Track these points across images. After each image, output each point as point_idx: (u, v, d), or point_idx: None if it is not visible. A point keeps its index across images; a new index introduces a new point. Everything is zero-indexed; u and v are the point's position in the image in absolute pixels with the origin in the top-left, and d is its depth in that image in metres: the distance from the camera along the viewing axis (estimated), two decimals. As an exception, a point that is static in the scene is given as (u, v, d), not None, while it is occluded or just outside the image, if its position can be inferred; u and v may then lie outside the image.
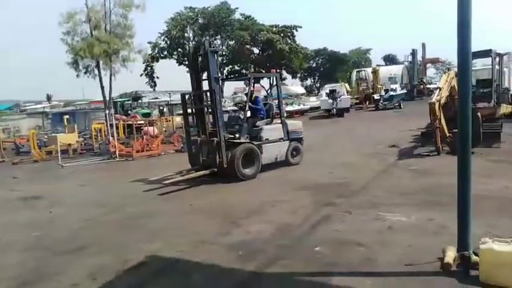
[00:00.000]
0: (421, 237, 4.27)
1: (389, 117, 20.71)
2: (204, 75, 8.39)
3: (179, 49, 40.35)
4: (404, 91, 31.22)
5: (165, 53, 41.56)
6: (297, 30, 44.17)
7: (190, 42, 38.77)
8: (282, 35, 42.70)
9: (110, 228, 5.56)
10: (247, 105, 8.71)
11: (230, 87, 43.60)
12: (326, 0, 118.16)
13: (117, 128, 16.37)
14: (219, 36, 42.98)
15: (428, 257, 3.64)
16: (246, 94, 9.30)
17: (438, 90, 9.59)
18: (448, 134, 9.11)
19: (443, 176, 6.95)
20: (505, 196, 5.65)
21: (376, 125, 18.13)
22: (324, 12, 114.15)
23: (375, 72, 32.29)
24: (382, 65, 48.33)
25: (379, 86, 30.37)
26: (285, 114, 10.42)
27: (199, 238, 4.80)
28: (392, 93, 27.80)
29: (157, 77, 43.04)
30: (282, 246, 4.39)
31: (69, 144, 15.10)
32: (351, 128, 17.77)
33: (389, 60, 61.74)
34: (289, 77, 48.49)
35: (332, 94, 24.67)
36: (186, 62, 37.25)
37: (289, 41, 43.43)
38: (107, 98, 23.18)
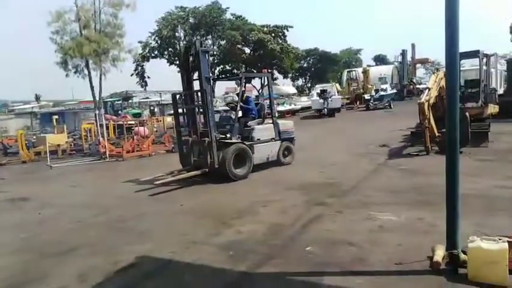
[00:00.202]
0: (411, 236, 4.31)
1: (379, 117, 20.87)
2: (195, 75, 8.35)
3: (170, 49, 40.14)
4: (395, 91, 31.50)
5: (156, 52, 41.30)
6: (288, 30, 44.25)
7: (181, 42, 38.56)
8: (273, 35, 42.73)
9: (100, 230, 5.50)
10: (238, 105, 8.70)
11: (221, 87, 43.64)
12: (317, 0, 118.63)
13: (107, 128, 16.23)
14: (210, 36, 42.85)
15: (418, 256, 3.68)
16: (238, 94, 9.28)
17: (427, 90, 9.69)
18: (437, 134, 9.22)
19: (432, 175, 7.02)
20: (493, 195, 5.72)
21: (366, 124, 18.26)
22: (314, 13, 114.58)
23: (365, 72, 32.52)
24: (373, 65, 48.75)
25: (370, 86, 30.60)
26: (277, 114, 10.43)
27: (191, 239, 4.78)
28: (382, 93, 28.02)
29: (148, 77, 42.78)
30: (274, 246, 4.39)
31: (58, 145, 14.93)
32: (342, 128, 17.86)
33: (380, 60, 62.27)
34: (280, 77, 48.53)
35: (323, 94, 24.75)
36: (177, 62, 37.03)
37: (281, 41, 43.47)
38: (97, 98, 23.00)
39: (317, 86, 31.91)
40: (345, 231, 4.66)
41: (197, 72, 8.16)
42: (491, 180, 6.59)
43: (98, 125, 14.98)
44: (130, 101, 34.83)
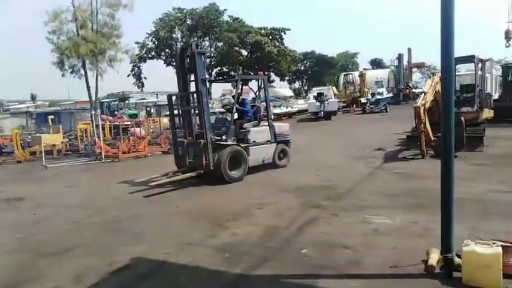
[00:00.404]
0: (406, 240, 4.34)
1: (375, 121, 20.95)
2: (191, 77, 8.34)
3: (167, 50, 40.16)
4: (391, 95, 31.60)
5: (153, 53, 41.31)
6: (285, 33, 44.43)
7: (179, 43, 38.58)
8: (270, 37, 42.86)
9: (95, 231, 5.48)
10: (234, 107, 8.70)
11: (218, 89, 43.53)
12: (314, 3, 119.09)
13: (103, 128, 16.16)
14: (207, 38, 42.94)
15: (412, 259, 3.70)
16: (233, 96, 9.28)
17: (423, 94, 9.74)
18: (432, 138, 9.27)
19: (427, 179, 7.06)
20: (487, 199, 5.77)
21: (362, 128, 18.31)
22: (312, 16, 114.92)
23: (362, 76, 32.61)
24: (369, 69, 48.90)
25: (366, 90, 30.68)
26: (272, 117, 10.44)
27: (186, 240, 4.78)
28: (378, 96, 28.11)
29: (145, 78, 42.78)
30: (269, 248, 4.40)
31: (54, 145, 14.83)
32: (338, 131, 17.90)
33: (376, 64, 62.48)
34: (277, 79, 48.71)
35: (320, 97, 24.79)
36: (174, 63, 37.07)
37: (278, 44, 43.62)
38: (93, 98, 22.95)
39: (314, 89, 31.97)
40: (340, 234, 4.67)
41: (193, 74, 8.15)
42: (486, 184, 6.64)
43: (94, 125, 14.90)
44: (126, 101, 34.78)
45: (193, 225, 5.43)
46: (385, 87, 32.72)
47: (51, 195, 8.15)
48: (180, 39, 40.63)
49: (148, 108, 32.50)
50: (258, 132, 8.98)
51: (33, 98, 52.93)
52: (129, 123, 20.58)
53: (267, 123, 9.31)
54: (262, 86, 9.54)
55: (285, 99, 34.83)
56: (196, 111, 8.23)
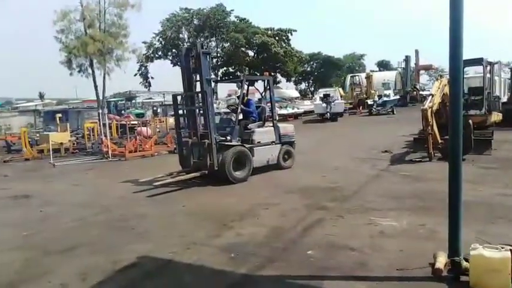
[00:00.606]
0: (413, 242, 4.31)
1: (382, 123, 20.86)
2: (197, 77, 8.33)
3: (174, 50, 40.32)
4: (398, 97, 31.45)
5: (160, 53, 41.51)
6: (292, 34, 44.45)
7: (185, 43, 38.73)
8: (277, 38, 42.90)
9: (101, 229, 5.51)
10: (239, 108, 8.69)
11: (225, 89, 43.59)
12: (321, 4, 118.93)
13: (110, 127, 16.26)
14: (214, 38, 43.08)
15: (419, 262, 3.67)
16: (238, 96, 9.26)
17: (431, 96, 9.68)
18: (440, 141, 9.20)
19: (434, 181, 7.02)
20: (495, 203, 5.72)
21: (369, 130, 18.24)
22: (319, 17, 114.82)
23: (368, 77, 32.53)
24: (376, 71, 48.71)
25: (373, 92, 30.60)
26: (277, 118, 10.41)
27: (191, 240, 4.79)
28: (385, 98, 28.00)
29: (152, 77, 43.02)
30: (275, 249, 4.39)
31: (61, 143, 14.95)
32: (344, 133, 17.86)
33: (383, 66, 62.26)
34: (283, 80, 48.71)
35: (326, 98, 24.74)
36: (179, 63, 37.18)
37: (284, 45, 43.64)
38: (100, 97, 23.08)
39: (320, 90, 31.94)
40: (346, 236, 4.65)
41: (198, 74, 8.14)
42: (493, 188, 6.58)
43: (101, 124, 15.01)
44: (133, 101, 34.95)
45: (198, 225, 5.43)
46: (392, 89, 32.57)
47: (58, 193, 8.21)
48: (186, 40, 40.78)
49: (154, 108, 32.62)
50: (262, 133, 8.97)
51: (41, 96, 53.41)
52: (135, 122, 20.72)
53: (271, 124, 9.29)
54: (268, 86, 9.53)
55: (291, 100, 34.78)
56: (201, 111, 8.22)
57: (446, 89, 9.66)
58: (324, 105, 24.50)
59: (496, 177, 7.45)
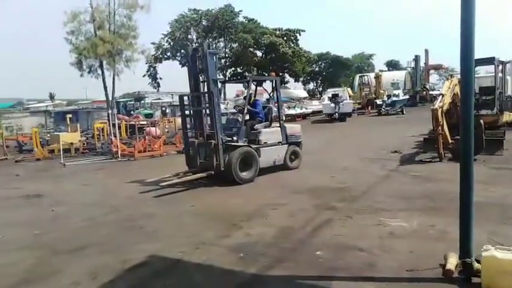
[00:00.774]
0: (423, 243, 4.27)
1: (391, 123, 20.71)
2: (203, 77, 8.32)
3: (182, 51, 40.46)
4: (407, 97, 31.21)
5: (168, 54, 41.74)
6: (300, 34, 44.37)
7: (194, 44, 38.86)
8: (285, 38, 42.86)
9: (110, 228, 5.55)
10: (245, 108, 8.67)
11: (233, 90, 43.65)
12: (330, 5, 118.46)
13: (119, 128, 16.39)
14: (222, 39, 43.16)
15: (429, 263, 3.64)
16: (245, 97, 9.25)
17: (441, 96, 9.59)
18: (450, 141, 9.11)
19: (445, 182, 6.95)
20: (507, 204, 5.64)
21: (378, 130, 18.12)
22: (327, 17, 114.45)
23: (377, 77, 32.29)
24: (385, 71, 48.38)
25: (382, 92, 30.36)
26: (284, 118, 10.36)
27: (200, 239, 4.80)
28: (394, 98, 27.80)
29: (161, 78, 43.27)
30: (283, 249, 4.39)
31: (72, 143, 15.11)
32: (353, 133, 17.77)
33: (392, 65, 61.79)
34: (291, 80, 48.63)
35: (334, 98, 24.64)
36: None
37: (293, 45, 43.57)
38: (110, 98, 23.24)
39: (328, 90, 31.87)
40: (355, 236, 4.63)
41: (204, 74, 8.13)
42: (505, 188, 6.49)
43: (111, 124, 15.14)
44: (142, 101, 35.18)
45: (206, 225, 5.44)
46: (402, 89, 32.30)
47: (69, 192, 8.30)
48: (195, 40, 40.92)
49: (163, 108, 32.81)
50: (269, 133, 8.94)
51: (51, 97, 54.08)
52: (144, 122, 20.85)
53: (278, 125, 9.26)
54: (274, 87, 9.51)
55: (299, 100, 34.71)
56: (208, 112, 8.22)
57: (457, 89, 9.56)
58: (333, 105, 24.40)
59: (507, 178, 7.35)
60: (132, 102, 31.01)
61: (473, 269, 3.32)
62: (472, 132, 3.53)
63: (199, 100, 8.53)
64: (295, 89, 46.05)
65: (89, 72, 23.31)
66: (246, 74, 40.41)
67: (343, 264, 3.85)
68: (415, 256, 3.92)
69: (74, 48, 22.18)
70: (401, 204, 5.93)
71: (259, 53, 44.53)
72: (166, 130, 19.69)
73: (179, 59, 41.38)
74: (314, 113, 28.96)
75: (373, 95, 30.88)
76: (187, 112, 8.89)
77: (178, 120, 21.39)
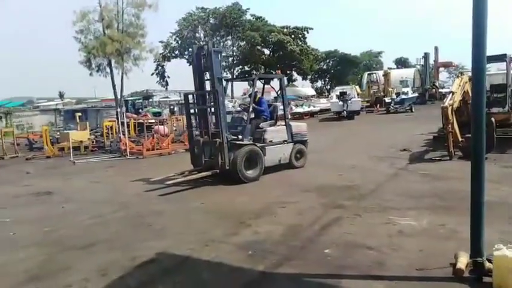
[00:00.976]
0: (433, 242, 4.23)
1: (400, 121, 20.54)
2: (208, 75, 8.30)
3: (190, 49, 40.52)
4: (416, 95, 30.95)
5: (176, 52, 41.85)
6: (308, 32, 44.17)
7: (202, 42, 38.94)
8: (293, 36, 42.70)
9: (120, 226, 5.60)
10: (250, 106, 8.63)
11: (240, 88, 43.63)
12: (338, 2, 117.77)
13: (128, 126, 16.49)
14: (230, 37, 43.14)
15: (439, 262, 3.61)
16: (250, 95, 9.22)
17: (451, 94, 9.47)
18: (460, 139, 9.00)
19: (455, 180, 6.88)
20: (518, 203, 5.56)
21: (386, 128, 18.00)
22: (335, 14, 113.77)
23: (386, 75, 32.03)
24: (394, 68, 47.99)
25: (391, 89, 30.11)
26: (289, 116, 10.29)
27: (208, 237, 4.82)
28: (403, 96, 27.58)
29: (168, 77, 43.40)
30: (292, 247, 4.38)
31: (81, 141, 15.26)
32: (361, 131, 17.66)
33: (401, 63, 61.33)
34: (299, 78, 48.48)
35: (342, 96, 24.52)
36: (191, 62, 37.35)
37: (300, 43, 43.39)
38: (118, 96, 23.41)
39: (337, 88, 31.68)
40: (364, 235, 4.60)
41: (209, 73, 8.11)
42: (516, 187, 6.40)
43: (119, 122, 15.24)
44: (150, 100, 35.28)
45: (215, 223, 5.46)
46: (411, 87, 32.04)
47: (78, 190, 8.39)
48: (203, 39, 40.96)
49: (171, 107, 32.92)
50: (274, 132, 8.88)
51: (61, 95, 54.59)
52: (153, 121, 20.95)
53: (283, 123, 9.21)
54: (280, 85, 9.46)
55: (307, 99, 34.60)
56: (213, 110, 8.19)
57: (467, 87, 9.44)
58: (341, 103, 24.29)
59: (519, 177, 7.24)
60: (141, 101, 31.10)
61: (484, 268, 3.28)
62: (484, 131, 3.48)
63: (204, 98, 8.51)
64: (303, 87, 45.92)
65: (97, 71, 23.53)
66: (254, 72, 40.32)
67: (352, 263, 3.84)
68: (424, 255, 3.89)
69: (83, 47, 22.40)
70: (411, 202, 5.88)
71: (266, 51, 44.44)
72: (174, 128, 19.76)
73: (187, 57, 41.41)
74: (322, 111, 28.87)
75: (382, 93, 30.65)
76: (192, 110, 8.88)
77: (186, 118, 21.45)
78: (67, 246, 4.80)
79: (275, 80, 10.46)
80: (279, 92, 9.91)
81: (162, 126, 18.02)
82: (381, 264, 3.77)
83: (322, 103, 30.74)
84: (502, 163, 8.35)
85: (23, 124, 25.94)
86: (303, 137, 9.49)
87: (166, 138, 14.58)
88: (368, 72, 37.51)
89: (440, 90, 34.05)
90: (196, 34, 41.23)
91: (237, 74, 42.66)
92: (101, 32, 22.49)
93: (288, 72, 43.81)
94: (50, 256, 4.51)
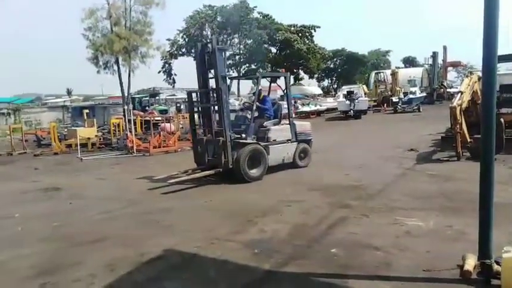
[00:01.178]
0: (440, 243, 4.21)
1: (407, 121, 20.41)
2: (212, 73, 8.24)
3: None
4: (424, 94, 30.75)
5: (183, 50, 41.93)
6: (315, 31, 44.05)
7: (208, 40, 38.93)
8: (300, 34, 42.60)
9: (127, 222, 5.65)
10: (254, 105, 8.58)
11: (247, 87, 43.66)
12: (345, 1, 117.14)
13: (134, 123, 16.56)
14: (236, 35, 43.10)
15: (447, 264, 3.59)
16: (254, 93, 9.15)
17: (460, 94, 9.38)
18: (469, 140, 8.92)
19: (463, 181, 6.83)
20: (527, 205, 5.50)
21: (394, 128, 17.89)
22: (342, 13, 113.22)
23: (393, 74, 31.82)
24: (402, 67, 47.66)
25: (398, 89, 29.92)
26: (293, 115, 10.23)
27: (215, 235, 4.84)
28: (411, 96, 27.41)
29: (175, 74, 43.50)
30: (298, 246, 4.39)
31: (88, 138, 15.34)
32: (368, 131, 17.58)
33: (409, 62, 60.91)
34: (306, 77, 48.34)
35: (349, 95, 24.39)
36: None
37: (307, 41, 43.27)
38: (126, 94, 23.54)
39: (343, 87, 31.55)
40: (371, 235, 4.59)
41: (213, 71, 8.05)
42: (526, 189, 6.33)
43: (126, 120, 15.32)
44: (157, 97, 35.44)
45: (221, 221, 5.47)
46: (418, 87, 31.82)
47: (86, 186, 8.45)
48: (210, 36, 41.00)
49: (178, 104, 33.01)
50: (278, 131, 8.81)
51: (68, 92, 55.06)
52: (159, 118, 20.99)
53: (287, 122, 9.14)
54: (284, 83, 9.42)
55: (313, 97, 34.51)
56: (216, 109, 8.16)
57: (477, 86, 9.36)
58: (348, 102, 24.17)
59: (528, 178, 7.16)
60: (147, 98, 31.20)
61: (492, 270, 3.26)
62: (494, 132, 3.45)
63: (207, 97, 8.46)
64: (310, 85, 45.80)
65: (104, 68, 23.69)
66: (260, 70, 40.28)
67: (358, 263, 3.83)
68: (432, 256, 3.87)
69: (90, 45, 22.56)
70: (418, 203, 5.85)
71: (273, 50, 44.38)
72: (181, 126, 19.82)
73: (194, 55, 41.52)
74: (328, 110, 28.78)
75: (389, 92, 30.47)
76: (196, 109, 8.87)
77: (193, 116, 21.50)
78: (75, 242, 4.85)
79: (281, 78, 10.41)
80: (285, 91, 9.88)
81: (169, 124, 18.06)
82: (387, 264, 3.76)
83: (329, 102, 30.65)
84: (510, 164, 8.26)
85: (31, 120, 26.22)
86: (307, 136, 9.42)
87: (173, 136, 14.63)
88: (375, 72, 37.27)
89: (448, 90, 33.76)
90: (203, 32, 41.27)
91: (243, 72, 42.63)
92: (108, 29, 22.63)
93: (295, 70, 43.72)
94: (58, 251, 4.57)
